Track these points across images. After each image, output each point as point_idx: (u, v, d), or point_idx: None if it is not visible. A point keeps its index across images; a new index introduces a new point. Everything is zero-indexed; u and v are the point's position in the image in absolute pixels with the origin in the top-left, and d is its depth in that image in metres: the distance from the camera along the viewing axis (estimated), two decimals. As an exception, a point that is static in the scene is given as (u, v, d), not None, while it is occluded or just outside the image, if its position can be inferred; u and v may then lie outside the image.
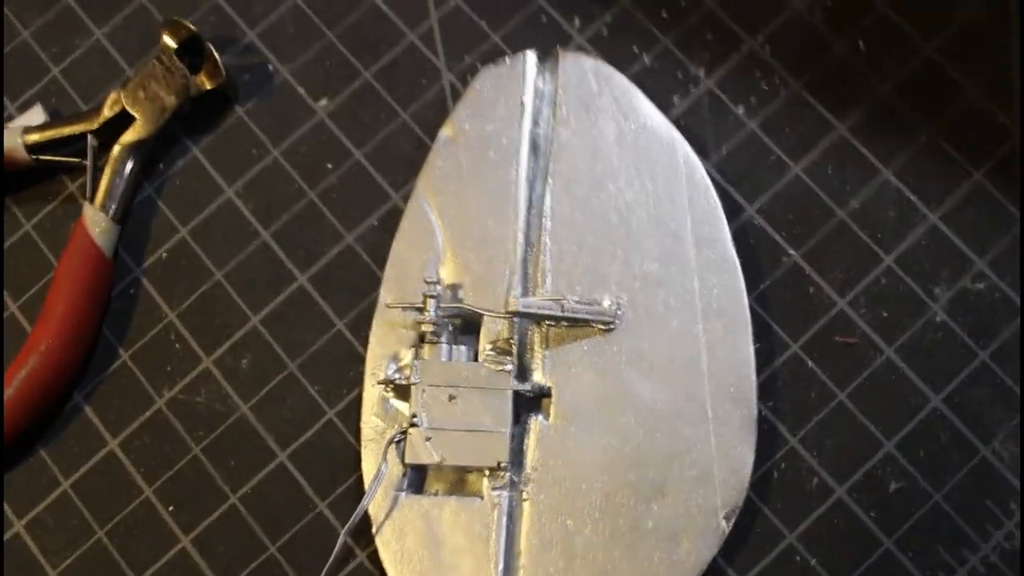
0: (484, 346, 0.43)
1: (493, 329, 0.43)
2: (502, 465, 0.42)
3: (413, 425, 0.42)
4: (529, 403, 0.43)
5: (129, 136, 0.47)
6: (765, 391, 0.43)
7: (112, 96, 0.47)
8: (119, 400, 0.46)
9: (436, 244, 0.45)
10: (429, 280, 0.43)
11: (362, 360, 0.45)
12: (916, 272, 0.44)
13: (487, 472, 0.42)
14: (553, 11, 0.48)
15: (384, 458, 0.42)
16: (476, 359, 0.43)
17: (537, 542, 0.42)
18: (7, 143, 0.47)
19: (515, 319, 0.43)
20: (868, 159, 0.45)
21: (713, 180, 0.45)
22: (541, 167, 0.45)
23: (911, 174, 0.45)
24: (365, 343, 0.45)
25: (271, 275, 0.47)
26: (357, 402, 0.45)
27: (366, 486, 0.43)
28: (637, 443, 0.42)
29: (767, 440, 0.43)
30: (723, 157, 0.46)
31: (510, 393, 0.42)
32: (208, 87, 0.47)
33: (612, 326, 0.43)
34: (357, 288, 0.46)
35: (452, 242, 0.45)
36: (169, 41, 0.47)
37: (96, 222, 0.46)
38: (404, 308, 0.44)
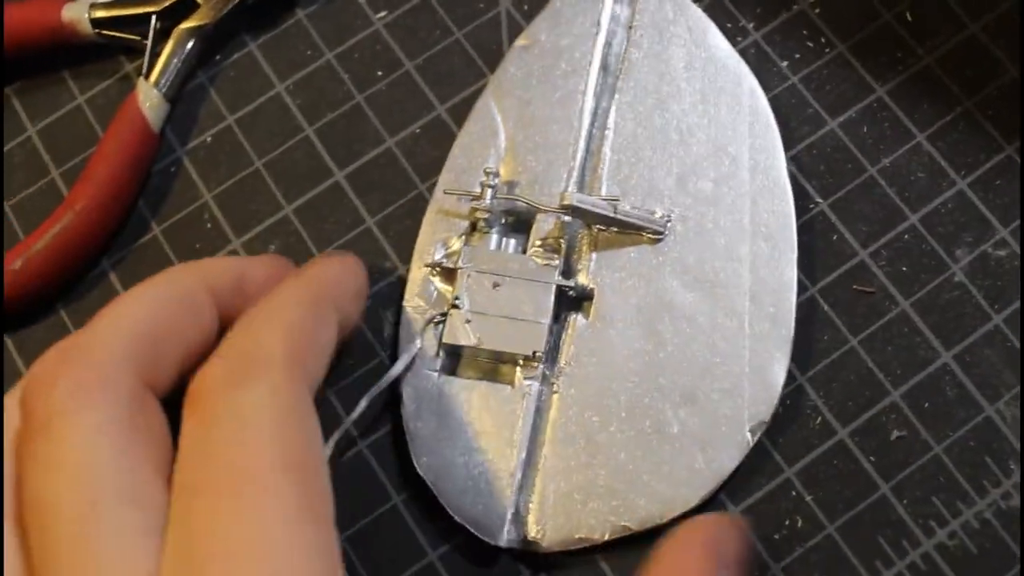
0: (533, 241, 0.44)
1: (544, 227, 0.44)
2: (537, 355, 0.42)
3: (455, 307, 0.43)
4: (570, 303, 0.44)
5: (191, 21, 0.49)
6: (779, 329, 0.44)
7: (180, -19, 0.49)
8: (145, 271, 0.46)
9: (498, 143, 0.46)
10: (488, 171, 0.44)
11: (387, 256, 0.46)
12: (939, 233, 0.45)
13: (520, 362, 0.43)
14: (614, -45, 0.50)
15: (421, 335, 0.43)
16: (524, 254, 0.44)
17: (562, 434, 0.43)
18: (74, 15, 0.49)
19: (566, 218, 0.44)
20: (904, 123, 0.46)
21: (750, 126, 0.46)
22: (609, 83, 0.47)
23: (944, 141, 0.46)
24: (394, 242, 0.46)
25: (309, 168, 0.48)
26: (378, 296, 0.45)
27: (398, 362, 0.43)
28: (671, 351, 0.43)
29: (775, 376, 0.43)
30: (763, 105, 0.47)
31: (553, 287, 0.43)
32: (273, -17, 0.49)
33: (661, 236, 0.44)
34: (392, 189, 0.47)
35: (514, 143, 0.46)
36: (242, -66, 0.49)
37: (148, 96, 0.48)
38: (461, 196, 0.45)
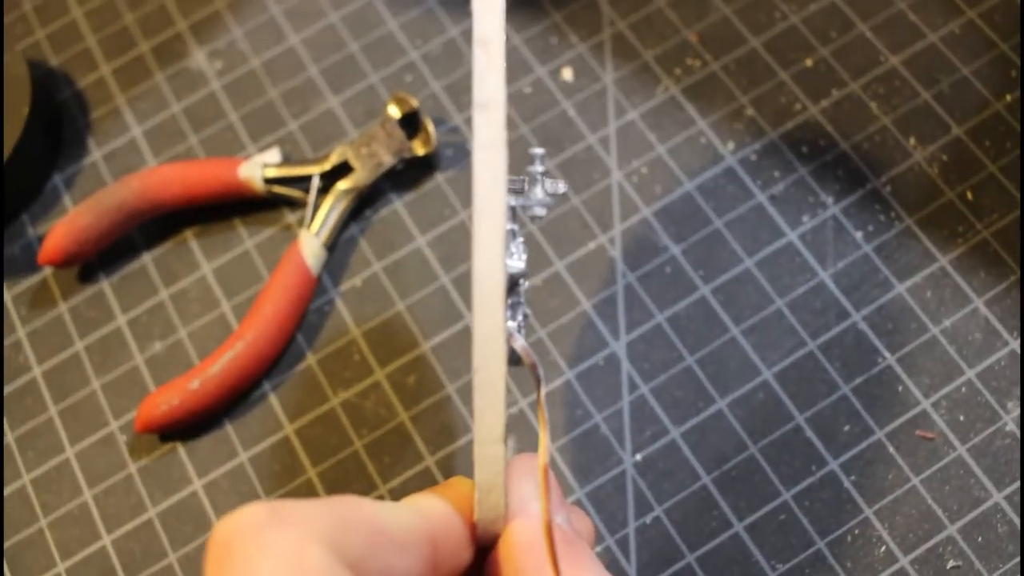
0: None
1: None
2: None
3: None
4: None
5: (347, 183, 0.57)
6: (850, 467, 0.50)
7: (340, 149, 0.58)
8: (300, 394, 0.55)
9: None
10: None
11: (508, 390, 0.53)
12: (993, 387, 0.51)
13: None
14: (712, 134, 0.57)
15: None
16: None
17: None
18: (249, 174, 0.57)
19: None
20: (963, 289, 0.53)
21: (827, 288, 0.53)
22: None
23: (999, 306, 0.53)
24: (514, 376, 0.53)
25: (444, 312, 0.56)
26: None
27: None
28: None
29: (846, 508, 0.50)
30: (839, 270, 0.54)
31: None
32: (419, 153, 0.57)
33: None
34: (514, 331, 0.55)
35: None
36: (394, 111, 0.58)
37: (309, 245, 0.56)
38: None
